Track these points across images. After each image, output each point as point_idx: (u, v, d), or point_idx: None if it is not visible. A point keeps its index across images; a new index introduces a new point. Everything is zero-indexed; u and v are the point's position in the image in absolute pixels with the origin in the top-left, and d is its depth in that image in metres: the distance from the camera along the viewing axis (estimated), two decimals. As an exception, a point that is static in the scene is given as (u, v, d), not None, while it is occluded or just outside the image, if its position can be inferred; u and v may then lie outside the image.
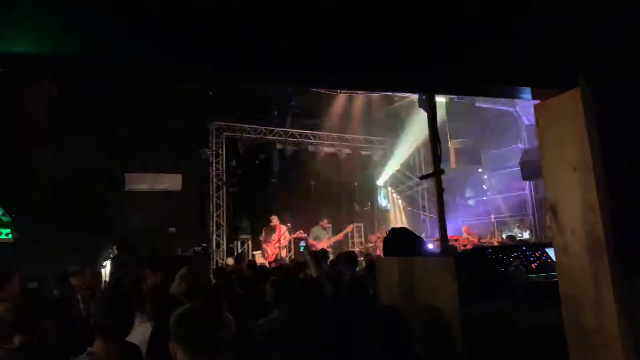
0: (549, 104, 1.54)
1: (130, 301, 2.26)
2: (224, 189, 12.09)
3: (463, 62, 1.40)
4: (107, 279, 7.90)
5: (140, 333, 2.83)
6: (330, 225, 12.25)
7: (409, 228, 3.27)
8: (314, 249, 9.01)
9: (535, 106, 1.61)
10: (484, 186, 14.25)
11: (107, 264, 9.00)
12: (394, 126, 13.28)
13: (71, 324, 3.37)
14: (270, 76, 1.38)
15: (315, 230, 11.53)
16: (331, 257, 7.35)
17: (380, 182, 14.95)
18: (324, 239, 11.31)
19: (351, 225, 12.65)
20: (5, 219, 7.82)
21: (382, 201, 15.24)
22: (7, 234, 8.28)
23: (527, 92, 1.55)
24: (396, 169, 14.79)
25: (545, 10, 1.46)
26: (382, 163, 14.74)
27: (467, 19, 1.40)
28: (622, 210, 1.35)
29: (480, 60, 1.42)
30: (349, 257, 5.59)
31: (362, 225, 14.11)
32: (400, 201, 15.26)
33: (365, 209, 14.64)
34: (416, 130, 12.68)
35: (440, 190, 2.99)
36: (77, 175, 8.66)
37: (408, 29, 1.34)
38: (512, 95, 1.63)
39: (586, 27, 1.46)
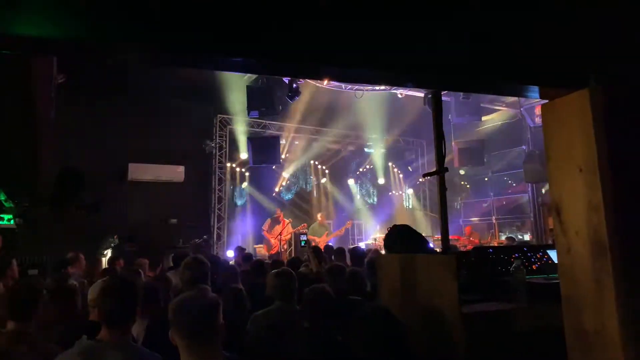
0: (556, 104, 1.53)
1: (136, 291, 2.25)
2: (227, 181, 12.12)
3: (470, 59, 1.39)
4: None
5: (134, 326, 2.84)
6: (330, 222, 12.28)
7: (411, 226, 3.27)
8: (313, 244, 9.04)
9: (543, 106, 1.60)
10: (486, 187, 14.24)
11: (108, 252, 9.04)
12: (398, 124, 13.27)
13: (68, 313, 3.34)
14: (272, 66, 1.38)
15: (314, 226, 11.58)
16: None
17: (381, 180, 14.95)
18: (323, 235, 11.37)
19: (350, 221, 12.68)
20: (7, 204, 7.84)
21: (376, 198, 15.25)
22: (9, 220, 8.31)
23: (535, 91, 1.54)
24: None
25: (555, 8, 1.45)
26: (384, 161, 14.75)
27: (473, 16, 1.39)
28: (627, 212, 1.35)
29: (488, 58, 1.41)
30: (355, 254, 5.62)
31: (362, 222, 14.14)
32: (401, 195, 15.28)
33: (366, 206, 14.67)
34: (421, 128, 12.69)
35: (443, 189, 2.97)
36: (81, 164, 8.67)
37: (412, 22, 1.33)
38: (520, 94, 1.62)
39: (597, 26, 1.45)
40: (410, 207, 15.14)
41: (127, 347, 2.08)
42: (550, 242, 9.68)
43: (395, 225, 3.26)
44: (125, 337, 2.11)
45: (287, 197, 13.17)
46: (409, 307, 2.49)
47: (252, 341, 3.00)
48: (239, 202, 12.41)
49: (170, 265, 6.14)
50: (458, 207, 14.63)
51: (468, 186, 14.69)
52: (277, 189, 13.14)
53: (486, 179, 14.13)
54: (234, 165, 12.36)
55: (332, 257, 6.26)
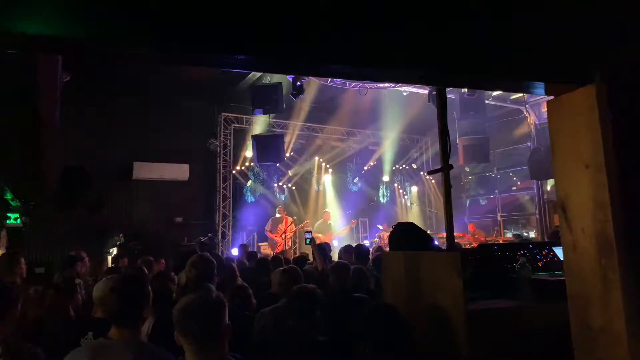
0: (562, 100, 1.52)
1: (145, 290, 2.23)
2: (231, 179, 12.15)
3: (475, 56, 1.38)
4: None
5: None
6: (331, 222, 12.28)
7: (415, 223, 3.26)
8: (318, 242, 9.04)
9: (548, 102, 1.59)
10: (491, 184, 14.20)
11: (114, 251, 9.09)
12: (402, 121, 13.24)
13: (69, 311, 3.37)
14: (276, 64, 1.37)
15: (319, 224, 11.59)
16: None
17: (386, 177, 14.93)
18: (327, 233, 11.37)
19: (354, 221, 12.70)
20: (14, 203, 7.89)
21: (388, 197, 15.22)
22: (15, 219, 8.38)
23: (540, 88, 1.53)
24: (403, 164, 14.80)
25: (560, 3, 1.43)
26: (389, 158, 14.72)
27: (476, 12, 1.38)
28: (633, 209, 1.34)
29: (492, 54, 1.40)
30: (359, 251, 5.62)
31: (367, 220, 14.14)
32: (406, 197, 15.26)
33: (371, 204, 14.65)
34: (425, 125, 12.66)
35: (448, 187, 2.97)
36: (86, 163, 8.72)
37: (416, 21, 1.33)
38: (525, 90, 1.61)
39: (603, 21, 1.44)
40: (415, 204, 15.11)
41: (137, 345, 2.06)
42: (546, 239, 9.60)
43: (399, 223, 3.25)
44: (135, 335, 2.10)
45: (282, 197, 13.19)
46: (414, 304, 2.48)
47: (259, 338, 3.01)
48: (249, 200, 12.45)
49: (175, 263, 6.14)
50: (466, 203, 14.59)
51: (471, 177, 14.65)
52: (280, 184, 13.17)
53: (490, 174, 14.09)
54: (238, 167, 12.39)
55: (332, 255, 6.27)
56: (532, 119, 12.41)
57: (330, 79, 10.12)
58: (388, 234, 4.30)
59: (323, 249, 5.72)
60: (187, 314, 1.83)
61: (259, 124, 12.28)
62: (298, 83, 9.68)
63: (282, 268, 3.61)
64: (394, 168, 14.88)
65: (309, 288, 2.93)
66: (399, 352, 2.07)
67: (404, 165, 15.06)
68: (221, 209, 11.87)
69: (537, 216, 12.68)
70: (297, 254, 8.94)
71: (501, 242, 10.73)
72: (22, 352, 2.25)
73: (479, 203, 14.59)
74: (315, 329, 2.78)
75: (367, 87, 10.71)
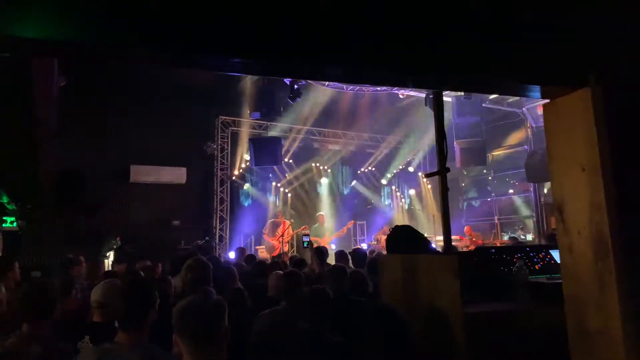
0: (558, 103, 1.53)
1: (151, 292, 2.22)
2: (229, 182, 12.14)
3: (471, 59, 1.39)
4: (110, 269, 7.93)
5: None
6: (327, 225, 12.29)
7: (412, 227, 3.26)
8: (315, 245, 9.03)
9: (544, 105, 1.60)
10: (488, 187, 14.23)
11: (111, 254, 9.06)
12: (400, 125, 13.27)
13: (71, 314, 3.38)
14: (272, 67, 1.37)
15: (316, 227, 11.58)
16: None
17: (384, 180, 14.94)
18: (324, 236, 11.36)
19: (351, 221, 12.69)
20: (10, 207, 7.86)
21: (386, 199, 15.23)
22: (11, 222, 8.34)
23: (536, 91, 1.53)
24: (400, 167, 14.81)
25: (556, 6, 1.44)
26: (387, 161, 14.74)
27: (474, 15, 1.39)
28: (629, 212, 1.34)
29: (489, 57, 1.41)
30: (356, 255, 5.62)
31: (364, 223, 14.14)
32: (403, 200, 15.27)
33: (368, 207, 14.65)
34: (422, 129, 12.69)
35: (445, 190, 2.97)
36: (83, 166, 8.70)
37: (413, 23, 1.33)
38: (521, 93, 1.62)
39: (598, 25, 1.45)
40: (412, 207, 15.12)
41: (143, 348, 2.05)
42: (543, 241, 9.63)
43: (397, 226, 3.25)
44: (140, 338, 2.08)
45: (279, 200, 13.19)
46: (411, 307, 2.48)
47: (257, 341, 3.00)
48: (246, 203, 12.45)
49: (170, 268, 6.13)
50: (464, 206, 14.60)
51: (468, 180, 14.68)
52: (278, 185, 13.17)
53: (488, 177, 14.12)
54: (235, 171, 12.39)
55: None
56: (528, 122, 12.46)
57: (327, 82, 10.14)
58: (385, 236, 4.30)
59: (321, 252, 5.72)
60: (187, 314, 1.82)
61: (255, 127, 12.29)
62: (295, 86, 9.68)
63: (281, 271, 3.60)
64: (392, 172, 14.89)
65: (322, 289, 2.93)
66: (399, 354, 2.07)
67: (401, 167, 15.09)
68: (218, 212, 11.85)
69: (534, 219, 12.71)
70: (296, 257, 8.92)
71: (498, 245, 10.74)
72: (58, 351, 2.26)
73: (476, 206, 14.62)
74: (327, 330, 2.78)
75: (364, 91, 10.73)
